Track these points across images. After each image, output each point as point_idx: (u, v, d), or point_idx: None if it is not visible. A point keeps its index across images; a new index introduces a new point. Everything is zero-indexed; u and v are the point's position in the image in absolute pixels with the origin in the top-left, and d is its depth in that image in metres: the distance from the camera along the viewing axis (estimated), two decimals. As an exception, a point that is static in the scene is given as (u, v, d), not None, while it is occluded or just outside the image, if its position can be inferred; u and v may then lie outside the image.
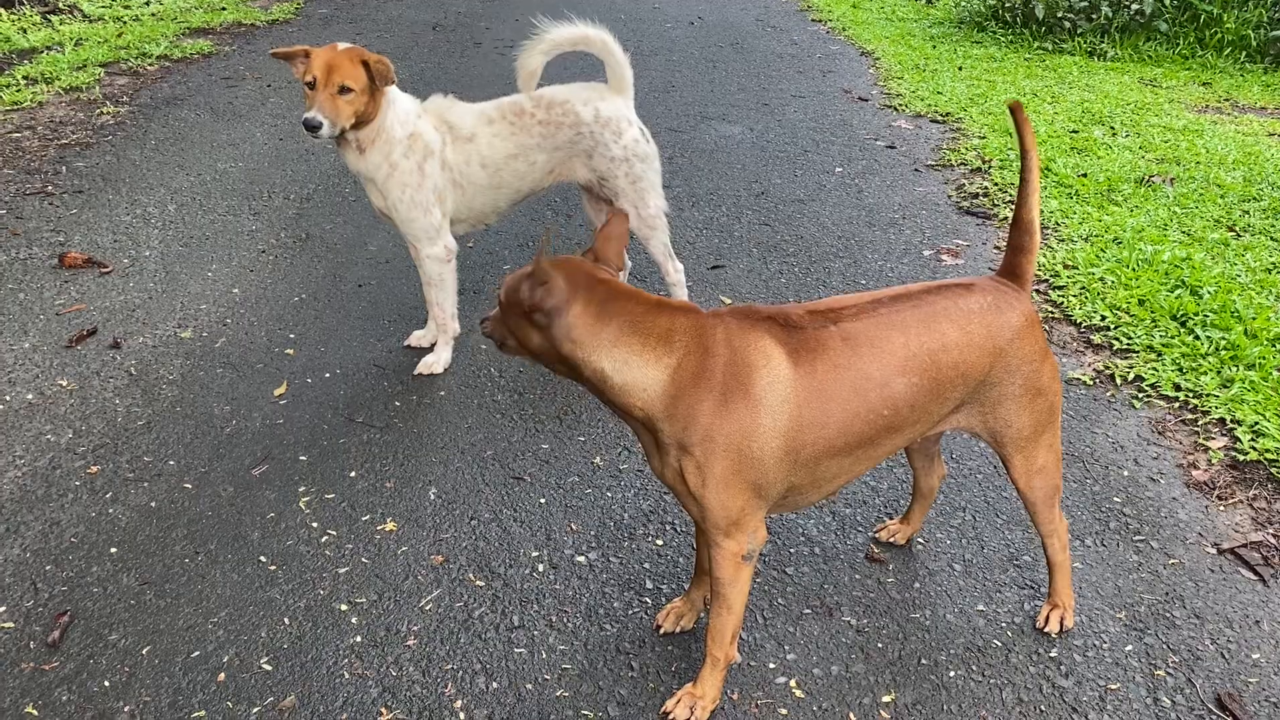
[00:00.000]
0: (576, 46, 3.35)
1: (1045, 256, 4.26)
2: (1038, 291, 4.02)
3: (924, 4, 10.19)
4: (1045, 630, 2.33)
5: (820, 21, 9.41)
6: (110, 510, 2.68)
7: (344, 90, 2.98)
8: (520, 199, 3.43)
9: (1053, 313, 3.85)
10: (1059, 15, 8.45)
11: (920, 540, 2.63)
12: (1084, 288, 3.99)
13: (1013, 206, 4.84)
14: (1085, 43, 8.30)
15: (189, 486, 2.78)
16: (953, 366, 1.99)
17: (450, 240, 3.30)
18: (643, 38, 8.48)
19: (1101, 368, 3.47)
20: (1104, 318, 3.76)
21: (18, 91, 6.53)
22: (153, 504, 2.71)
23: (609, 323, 1.82)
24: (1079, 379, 3.40)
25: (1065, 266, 4.17)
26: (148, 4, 9.56)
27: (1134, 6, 8.19)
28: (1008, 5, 8.75)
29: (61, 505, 2.69)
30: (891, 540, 2.60)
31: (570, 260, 1.87)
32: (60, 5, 9.05)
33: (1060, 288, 4.02)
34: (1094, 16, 8.33)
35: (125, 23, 8.68)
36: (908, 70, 7.54)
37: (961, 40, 8.67)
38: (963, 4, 9.32)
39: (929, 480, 2.52)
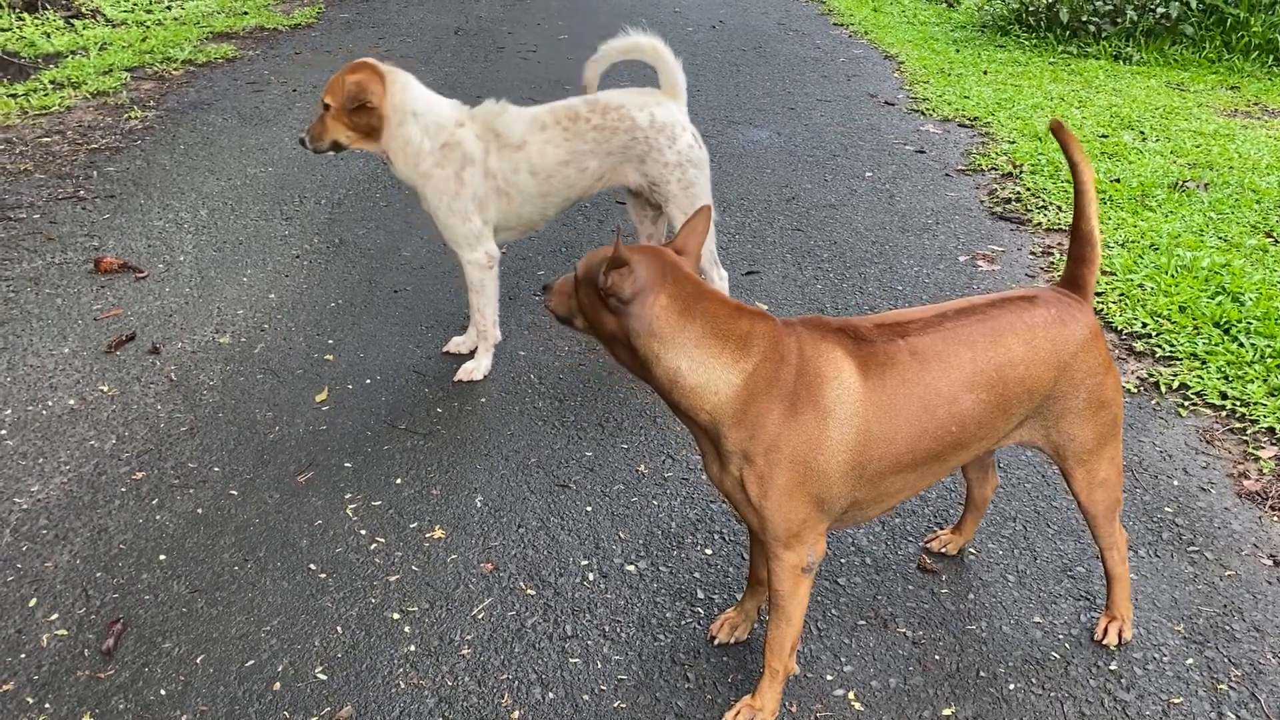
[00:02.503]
0: (629, 55, 3.37)
1: (1082, 262, 4.23)
2: (1076, 298, 3.99)
3: (945, 7, 10.16)
4: (1104, 642, 2.30)
5: (842, 25, 9.38)
6: (157, 517, 2.67)
7: (326, 108, 3.11)
8: (568, 205, 3.42)
9: (1092, 319, 3.82)
10: (1083, 19, 8.40)
11: (972, 550, 2.60)
12: (1123, 294, 3.96)
13: (1045, 213, 4.83)
14: (1110, 46, 8.25)
15: (235, 493, 2.78)
16: (1019, 382, 1.98)
17: (492, 247, 3.29)
18: (665, 41, 8.46)
19: (1145, 375, 3.44)
20: (1145, 324, 3.72)
21: (45, 96, 6.56)
22: (199, 510, 2.70)
23: (693, 320, 1.79)
24: (1124, 387, 3.37)
25: (1103, 273, 4.14)
26: (169, 8, 9.60)
27: (1159, 10, 8.13)
28: (1031, 9, 8.71)
29: (109, 511, 2.69)
30: (943, 550, 2.58)
31: (655, 250, 1.84)
32: (83, 10, 9.09)
33: (1099, 294, 3.99)
34: (1119, 20, 8.28)
35: (148, 27, 8.72)
36: (933, 74, 7.51)
37: (985, 44, 8.63)
38: (986, 8, 9.28)
39: (982, 491, 2.49)
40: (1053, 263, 4.31)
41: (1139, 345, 3.61)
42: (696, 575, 2.50)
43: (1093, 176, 2.06)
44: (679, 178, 3.36)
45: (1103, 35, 8.33)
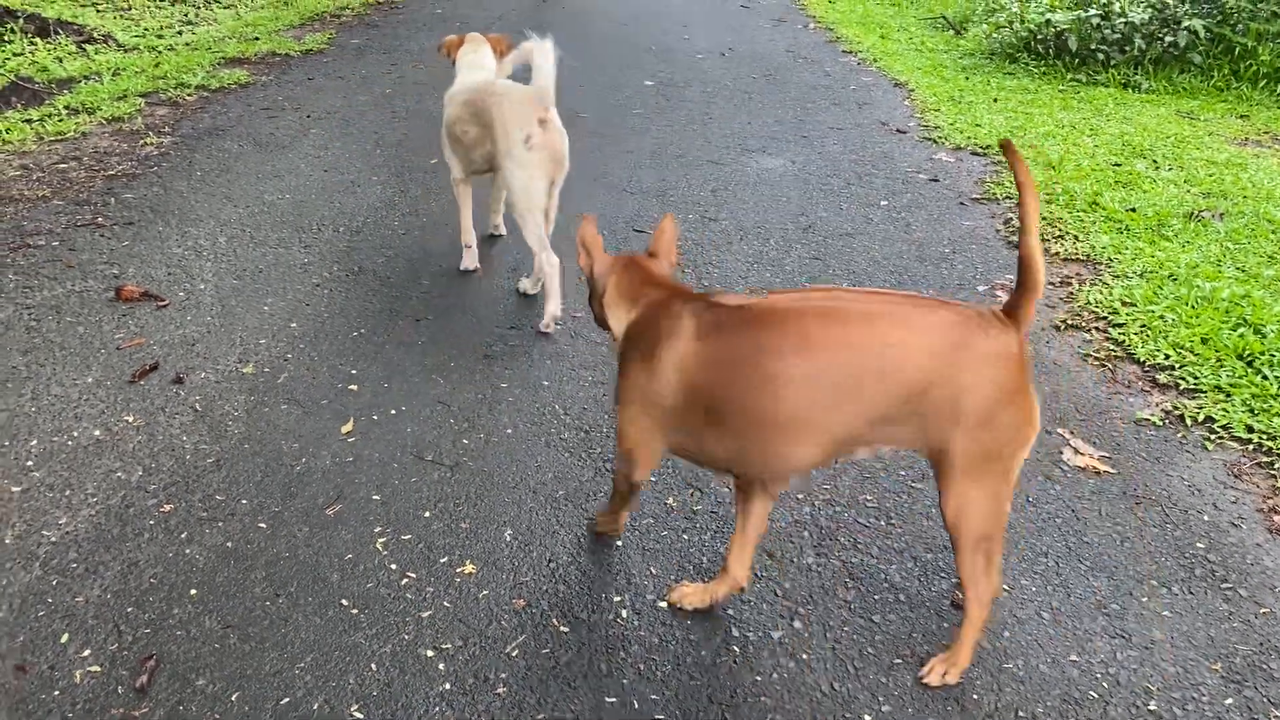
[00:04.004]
0: (523, 59, 3.98)
1: (1102, 293, 4.24)
2: (1097, 329, 4.00)
3: (953, 35, 10.22)
4: (924, 680, 2.28)
5: (851, 53, 9.43)
6: (187, 550, 2.66)
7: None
8: (481, 164, 4.16)
9: (1114, 351, 3.82)
10: (1092, 47, 8.45)
11: (1005, 587, 2.59)
12: (1144, 325, 3.96)
13: (1062, 242, 4.85)
14: (1119, 74, 8.30)
15: (264, 526, 2.77)
16: (881, 369, 2.01)
17: (456, 172, 4.36)
18: (675, 68, 8.52)
19: (1170, 408, 3.43)
20: (1167, 356, 3.72)
21: (60, 121, 6.59)
22: (229, 544, 2.69)
23: (617, 291, 2.43)
24: (1148, 419, 3.37)
25: (1123, 304, 4.15)
26: (180, 34, 9.66)
27: (1167, 39, 8.19)
28: (1040, 37, 8.76)
29: (138, 545, 2.68)
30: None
31: (621, 257, 2.48)
32: (94, 35, 9.15)
33: (1120, 325, 3.99)
34: (1127, 49, 8.33)
35: (160, 53, 8.76)
36: (944, 102, 7.55)
37: (994, 72, 8.68)
38: (994, 35, 9.33)
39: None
40: (1071, 293, 4.32)
41: (1163, 377, 3.61)
42: (730, 613, 2.49)
43: (1037, 205, 2.00)
44: (507, 162, 3.87)
45: (1111, 63, 8.38)
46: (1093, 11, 8.44)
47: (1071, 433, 3.31)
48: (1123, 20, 8.34)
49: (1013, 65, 8.83)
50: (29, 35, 8.86)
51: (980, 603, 2.22)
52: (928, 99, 7.67)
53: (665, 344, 2.21)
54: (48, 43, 8.77)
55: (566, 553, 2.69)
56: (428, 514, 2.83)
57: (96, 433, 3.19)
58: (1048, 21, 8.69)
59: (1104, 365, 3.74)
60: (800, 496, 2.93)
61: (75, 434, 3.18)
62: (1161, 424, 3.34)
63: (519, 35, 4.25)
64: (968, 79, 8.39)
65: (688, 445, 2.27)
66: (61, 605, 2.47)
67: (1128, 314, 4.05)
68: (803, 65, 8.87)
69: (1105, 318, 4.08)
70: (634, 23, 10.33)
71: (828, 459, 2.16)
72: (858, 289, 2.20)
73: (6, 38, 8.74)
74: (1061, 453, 3.20)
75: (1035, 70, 8.64)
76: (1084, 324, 4.04)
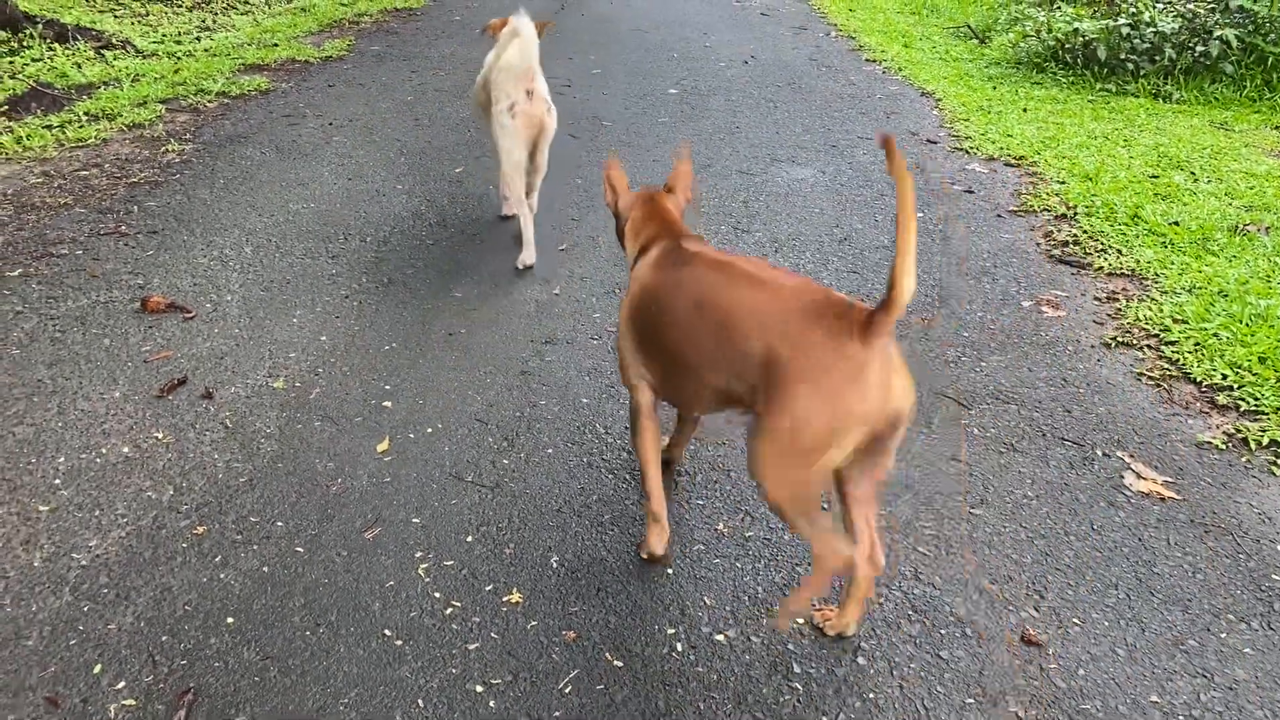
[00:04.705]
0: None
1: (1152, 310, 4.12)
2: (1149, 346, 3.88)
3: (978, 44, 10.11)
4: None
5: (874, 61, 9.32)
6: (221, 575, 2.56)
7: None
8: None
9: (1169, 370, 3.70)
10: (1121, 57, 8.34)
11: (1076, 621, 2.47)
12: (1198, 344, 3.85)
13: (1105, 256, 4.73)
14: (1149, 84, 8.18)
15: (300, 550, 2.67)
16: (737, 326, 2.18)
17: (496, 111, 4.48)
18: (699, 77, 8.43)
19: (1232, 430, 3.32)
20: (1225, 376, 3.60)
21: (81, 128, 6.52)
22: (265, 569, 2.59)
23: (633, 225, 2.72)
24: (1210, 442, 3.25)
25: (1175, 321, 4.03)
26: (199, 39, 9.61)
27: (1199, 48, 8.07)
28: (1068, 46, 8.65)
29: (170, 569, 2.58)
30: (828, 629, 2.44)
31: (643, 192, 2.78)
32: (113, 40, 9.09)
33: (1172, 343, 3.87)
34: (1157, 58, 8.21)
35: (179, 59, 8.71)
36: (972, 112, 7.44)
37: (1021, 81, 8.57)
38: (1020, 44, 9.22)
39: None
40: (1119, 309, 4.20)
41: (1222, 398, 3.49)
42: (790, 646, 2.38)
43: (914, 224, 1.92)
44: (494, 126, 4.37)
45: (1141, 73, 8.26)
46: (1122, 21, 8.32)
47: (1131, 455, 3.19)
48: (1152, 30, 8.22)
49: (1040, 75, 8.72)
50: (47, 41, 8.82)
51: (819, 566, 2.19)
52: (956, 109, 7.56)
53: (636, 275, 2.55)
54: (66, 48, 8.72)
55: (615, 581, 2.58)
56: (470, 538, 2.73)
57: (125, 450, 3.10)
58: (1075, 30, 8.58)
59: (1159, 385, 3.62)
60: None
61: (104, 451, 3.09)
62: (1224, 447, 3.22)
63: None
64: (995, 88, 8.27)
65: (646, 373, 2.56)
66: (93, 633, 2.37)
67: (1180, 331, 3.94)
68: (826, 74, 8.77)
69: (1157, 335, 3.96)
70: (655, 30, 10.25)
71: (718, 403, 2.36)
72: (779, 268, 2.34)
73: (25, 43, 8.70)
74: (1123, 477, 3.08)
75: (1063, 80, 8.53)
76: (1135, 341, 3.93)
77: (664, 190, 2.78)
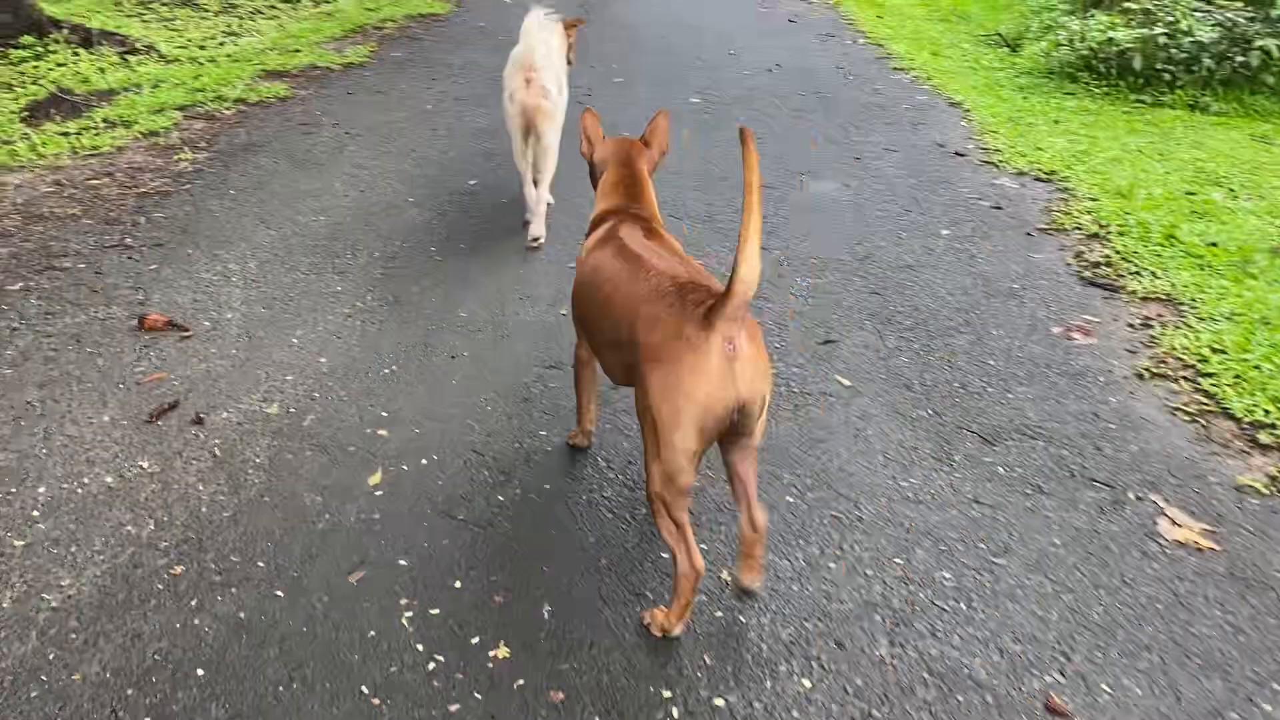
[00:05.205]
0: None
1: (1188, 338, 3.92)
2: (1185, 378, 3.68)
3: (1008, 52, 9.88)
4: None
5: (902, 70, 9.12)
6: (195, 621, 2.44)
7: None
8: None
9: (1206, 404, 3.50)
10: (1157, 67, 8.09)
11: (1105, 687, 2.29)
12: (1238, 376, 3.64)
13: (1139, 279, 4.52)
14: (1186, 95, 7.93)
15: (280, 594, 2.54)
16: (620, 303, 2.40)
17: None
18: (722, 85, 8.27)
19: (1275, 473, 3.12)
20: (1267, 413, 3.40)
21: (97, 135, 6.46)
22: (241, 615, 2.46)
23: (606, 180, 2.91)
24: (1251, 486, 3.05)
25: (1213, 350, 3.82)
26: (223, 44, 9.56)
27: (1238, 59, 7.82)
28: (1102, 55, 8.41)
29: (144, 613, 2.46)
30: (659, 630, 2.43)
31: (618, 140, 3.00)
32: (137, 45, 9.06)
33: (1210, 375, 3.67)
34: (1195, 69, 7.97)
35: (201, 64, 8.65)
36: (1002, 123, 7.23)
37: (1053, 91, 8.34)
38: (1053, 54, 8.98)
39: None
40: (1153, 336, 4.00)
41: (1264, 436, 3.29)
42: (795, 715, 2.21)
43: (759, 212, 2.11)
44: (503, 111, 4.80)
45: (1178, 84, 8.01)
46: (1158, 30, 8.07)
47: (1166, 500, 3.00)
48: (1190, 39, 7.97)
49: (1072, 85, 8.48)
50: (72, 46, 8.79)
51: (680, 577, 2.30)
52: (986, 119, 7.35)
53: (584, 247, 2.77)
54: (91, 53, 8.68)
55: (609, 634, 2.42)
56: (458, 584, 2.58)
57: (109, 480, 2.98)
58: (1110, 40, 8.34)
59: (1196, 421, 3.42)
60: (869, 573, 2.65)
61: (86, 480, 2.97)
62: (1267, 491, 3.03)
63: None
64: (1026, 99, 8.05)
65: (584, 338, 2.79)
66: (56, 685, 2.25)
67: (1218, 362, 3.73)
68: (853, 83, 8.58)
69: (1193, 366, 3.76)
70: (679, 37, 10.09)
71: (629, 380, 2.44)
72: (677, 256, 2.52)
73: (51, 48, 8.68)
74: (1156, 523, 2.90)
75: (1097, 90, 8.29)
76: (1170, 372, 3.73)
77: (640, 141, 2.95)
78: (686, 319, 2.15)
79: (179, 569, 2.61)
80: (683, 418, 2.13)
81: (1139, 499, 3.00)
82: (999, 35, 10.30)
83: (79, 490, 2.93)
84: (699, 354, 2.12)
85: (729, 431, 2.22)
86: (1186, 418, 3.44)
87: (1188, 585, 2.64)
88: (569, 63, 5.24)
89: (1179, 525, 2.89)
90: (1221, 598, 2.59)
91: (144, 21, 10.53)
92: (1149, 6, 8.31)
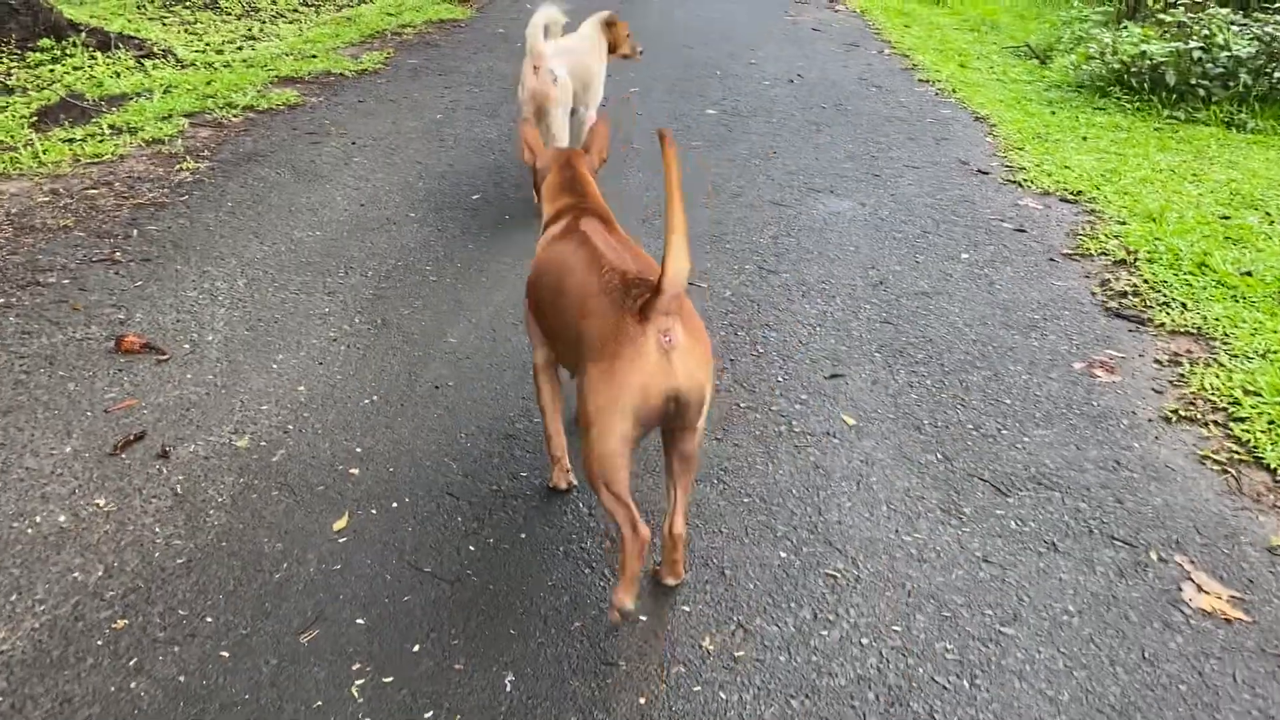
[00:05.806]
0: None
1: (1219, 378, 3.67)
2: (1215, 422, 3.43)
3: (1038, 65, 9.60)
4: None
5: (927, 82, 8.87)
6: (132, 685, 2.27)
7: None
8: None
9: (1238, 452, 3.26)
10: (1192, 82, 7.80)
11: (1119, 786, 2.07)
12: (1272, 422, 3.39)
13: (1168, 311, 4.27)
14: (1221, 112, 7.64)
15: (225, 655, 2.36)
16: (567, 295, 2.51)
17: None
18: (740, 96, 8.06)
19: (1312, 534, 2.87)
20: (1306, 464, 3.16)
21: (101, 142, 6.36)
22: (181, 678, 2.29)
23: (549, 187, 2.99)
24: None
25: (1246, 392, 3.58)
26: (240, 49, 9.47)
27: (1276, 74, 7.51)
28: (1134, 69, 8.12)
29: (77, 674, 2.29)
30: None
31: (559, 151, 3.12)
32: (155, 50, 8.98)
33: (1242, 420, 3.43)
34: (1231, 84, 7.67)
35: (216, 69, 8.55)
36: (1028, 140, 6.97)
37: (1082, 106, 8.07)
38: (1083, 67, 8.70)
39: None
40: (1182, 375, 3.76)
41: (1301, 493, 3.04)
42: (772, 809, 2.01)
43: (682, 211, 2.19)
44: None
45: (1213, 100, 7.72)
46: (1193, 44, 7.78)
47: (1192, 562, 2.77)
48: (1226, 54, 7.68)
49: (1103, 99, 8.20)
50: (90, 49, 8.73)
51: (621, 546, 2.30)
52: (1011, 135, 7.10)
53: (541, 243, 2.81)
54: (108, 57, 8.61)
55: (577, 711, 2.23)
56: (417, 648, 2.40)
57: (62, 519, 2.82)
58: (1143, 53, 8.05)
59: (1226, 472, 3.18)
60: (864, 643, 2.44)
61: (38, 519, 2.82)
62: (1305, 556, 2.79)
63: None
64: (1054, 113, 7.79)
65: (541, 335, 2.80)
66: (-26, 756, 2.08)
67: (1251, 405, 3.49)
68: (876, 95, 8.34)
69: (1224, 409, 3.51)
70: (699, 45, 9.90)
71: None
72: (628, 251, 2.61)
73: (68, 51, 8.61)
74: (1180, 589, 2.67)
75: (1128, 105, 8.00)
76: (1199, 416, 3.49)
77: (581, 150, 3.11)
78: (625, 312, 2.28)
79: (122, 622, 2.45)
80: (618, 404, 2.24)
81: (1162, 560, 2.77)
82: (1028, 46, 10.04)
83: (29, 530, 2.77)
84: (634, 345, 2.24)
85: (669, 421, 2.32)
86: (1216, 467, 3.20)
87: (1214, 663, 2.41)
88: (634, 53, 5.89)
89: (1205, 592, 2.66)
90: (1251, 678, 2.36)
91: (165, 25, 10.48)
92: (1184, 19, 8.03)
